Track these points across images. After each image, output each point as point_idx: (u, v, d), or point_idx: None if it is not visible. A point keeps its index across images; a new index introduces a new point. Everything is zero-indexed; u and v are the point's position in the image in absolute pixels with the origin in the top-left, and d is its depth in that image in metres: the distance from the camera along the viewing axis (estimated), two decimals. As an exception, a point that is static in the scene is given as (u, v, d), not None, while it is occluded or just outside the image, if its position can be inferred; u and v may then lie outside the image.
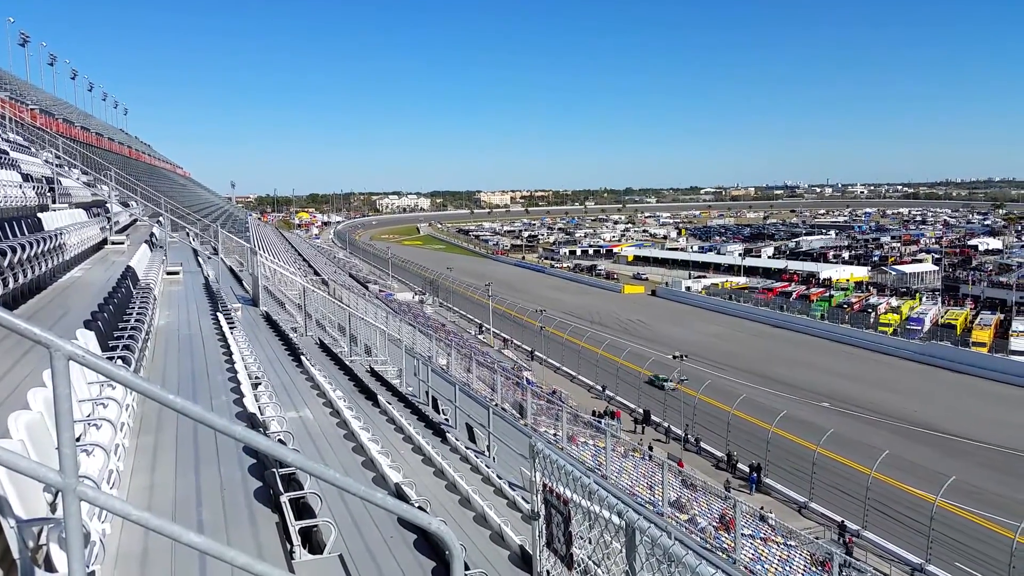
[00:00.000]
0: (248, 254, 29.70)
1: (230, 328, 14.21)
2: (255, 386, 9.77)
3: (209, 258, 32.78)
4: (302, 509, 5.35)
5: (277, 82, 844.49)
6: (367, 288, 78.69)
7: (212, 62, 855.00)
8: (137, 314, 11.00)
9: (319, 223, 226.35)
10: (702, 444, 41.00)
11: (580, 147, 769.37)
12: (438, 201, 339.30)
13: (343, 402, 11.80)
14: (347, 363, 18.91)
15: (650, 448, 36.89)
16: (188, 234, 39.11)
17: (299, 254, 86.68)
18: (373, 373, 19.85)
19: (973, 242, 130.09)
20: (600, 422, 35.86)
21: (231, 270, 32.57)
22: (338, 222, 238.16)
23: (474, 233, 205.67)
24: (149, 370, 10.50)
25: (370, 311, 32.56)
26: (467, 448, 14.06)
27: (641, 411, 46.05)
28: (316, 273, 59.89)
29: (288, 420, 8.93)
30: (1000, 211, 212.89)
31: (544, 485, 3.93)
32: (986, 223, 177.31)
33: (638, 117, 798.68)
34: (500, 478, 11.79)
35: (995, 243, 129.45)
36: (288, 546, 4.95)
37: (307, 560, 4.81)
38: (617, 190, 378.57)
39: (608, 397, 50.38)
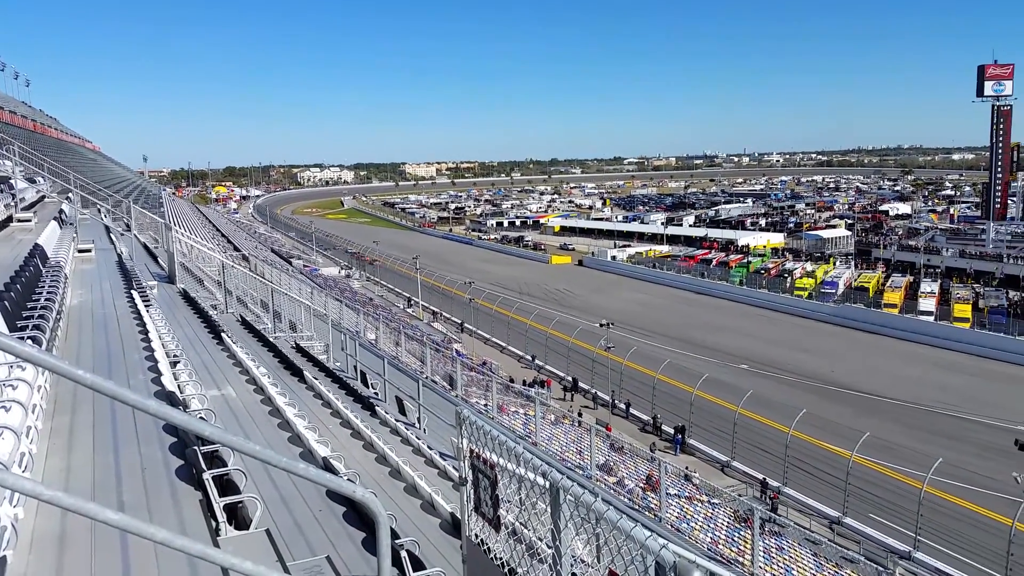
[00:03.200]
0: (163, 230, 28.70)
1: (146, 306, 13.76)
2: (174, 364, 9.52)
3: (122, 235, 31.57)
4: (226, 486, 5.27)
5: (187, 50, 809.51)
6: (290, 263, 77.15)
7: (118, 31, 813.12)
8: (47, 293, 10.55)
9: (237, 197, 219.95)
10: (631, 409, 41.93)
11: (505, 118, 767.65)
12: (362, 174, 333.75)
13: (267, 379, 11.61)
14: (271, 340, 18.57)
15: (579, 415, 37.49)
16: (99, 210, 37.51)
17: (217, 230, 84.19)
18: (299, 349, 19.55)
19: (884, 207, 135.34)
20: (530, 391, 36.25)
21: (145, 247, 31.45)
22: (257, 196, 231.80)
23: (400, 206, 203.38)
24: (62, 350, 10.11)
25: (294, 287, 31.99)
26: (397, 421, 14.04)
27: (570, 379, 46.74)
28: (236, 249, 58.33)
29: (210, 398, 8.75)
30: (909, 177, 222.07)
31: (471, 451, 3.97)
32: (896, 189, 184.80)
33: (562, 88, 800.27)
34: (431, 449, 11.84)
35: (904, 208, 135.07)
36: (213, 523, 4.88)
37: (233, 536, 4.75)
38: (543, 161, 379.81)
39: (538, 367, 50.92)
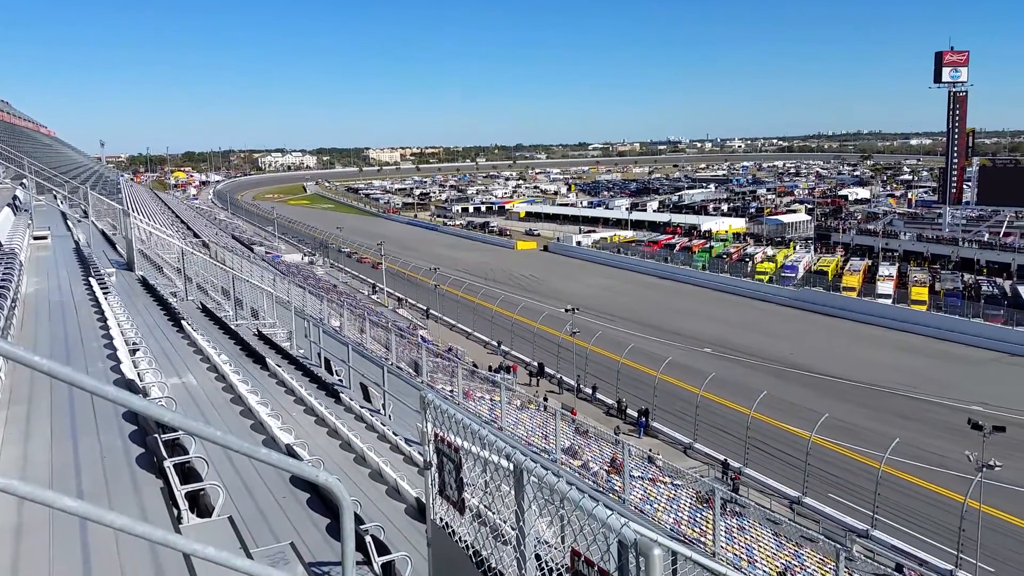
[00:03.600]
0: (121, 216, 28.14)
1: (104, 294, 13.51)
2: (133, 352, 9.38)
3: (79, 221, 30.90)
4: (188, 474, 5.22)
5: (145, 32, 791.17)
6: (252, 250, 76.18)
7: (72, 13, 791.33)
8: (1, 281, 10.30)
9: (197, 183, 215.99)
10: (597, 393, 42.28)
11: (470, 104, 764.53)
12: (325, 159, 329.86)
13: (229, 366, 11.48)
14: (232, 327, 18.35)
15: (545, 399, 37.77)
16: (56, 196, 36.66)
17: (176, 216, 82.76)
18: (261, 337, 19.36)
19: (843, 192, 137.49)
20: (496, 376, 36.34)
21: (103, 234, 30.83)
22: (217, 181, 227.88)
23: (364, 191, 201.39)
24: (17, 339, 9.89)
25: (256, 273, 31.61)
26: (362, 407, 13.99)
27: (536, 364, 46.93)
28: (196, 235, 57.41)
29: (170, 386, 8.64)
30: (868, 162, 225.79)
31: (436, 435, 3.99)
32: (855, 174, 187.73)
33: (527, 74, 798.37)
34: (396, 435, 11.83)
35: (863, 193, 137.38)
36: (175, 511, 4.84)
37: (195, 524, 4.72)
38: (508, 146, 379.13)
39: (504, 352, 51.02)
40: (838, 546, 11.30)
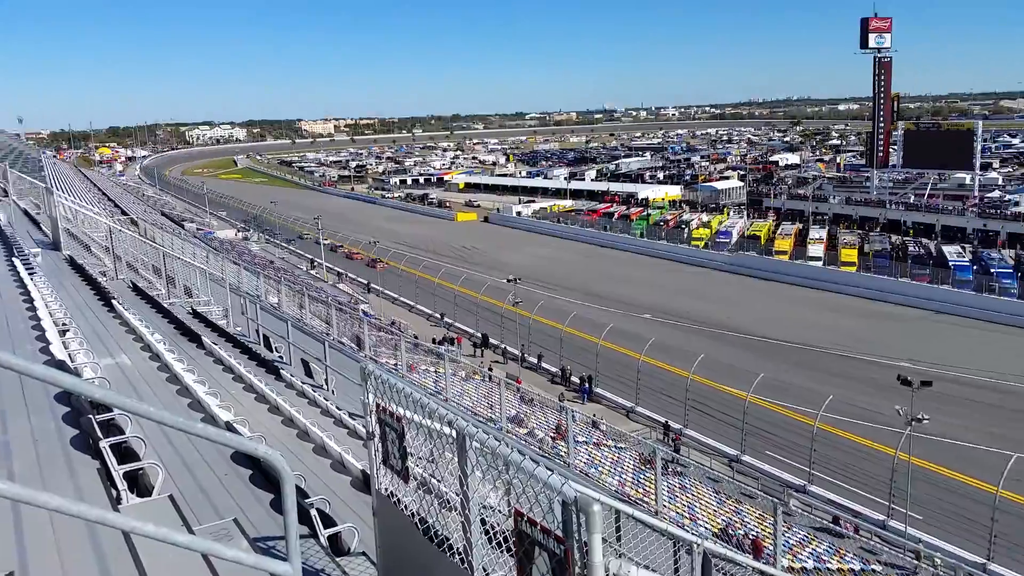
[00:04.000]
0: (44, 195, 27.04)
1: (29, 274, 13.02)
2: (62, 333, 9.09)
3: (-2, 201, 29.57)
4: (125, 454, 5.11)
5: (61, 5, 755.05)
6: (183, 227, 74.15)
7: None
8: (-87, 265, 9.83)
9: (123, 159, 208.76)
10: (542, 362, 42.65)
11: (405, 73, 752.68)
12: (255, 131, 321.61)
13: (163, 346, 11.22)
14: (165, 306, 17.89)
15: (490, 370, 37.90)
16: (-30, 176, 34.96)
17: (103, 193, 79.94)
18: (196, 315, 18.93)
19: (774, 158, 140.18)
20: (440, 348, 36.32)
21: (26, 213, 29.62)
22: (144, 157, 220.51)
23: (298, 164, 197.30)
24: (-66, 325, 9.48)
25: (188, 251, 30.80)
26: (304, 383, 13.85)
27: (480, 335, 47.04)
28: (124, 213, 55.55)
29: (103, 367, 8.41)
30: (798, 128, 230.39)
31: (378, 406, 3.99)
32: (785, 140, 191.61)
33: (462, 43, 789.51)
34: (340, 409, 11.76)
35: (794, 158, 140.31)
36: (114, 492, 4.74)
37: (135, 504, 4.63)
38: (444, 117, 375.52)
39: (447, 324, 50.98)
40: (776, 501, 11.72)
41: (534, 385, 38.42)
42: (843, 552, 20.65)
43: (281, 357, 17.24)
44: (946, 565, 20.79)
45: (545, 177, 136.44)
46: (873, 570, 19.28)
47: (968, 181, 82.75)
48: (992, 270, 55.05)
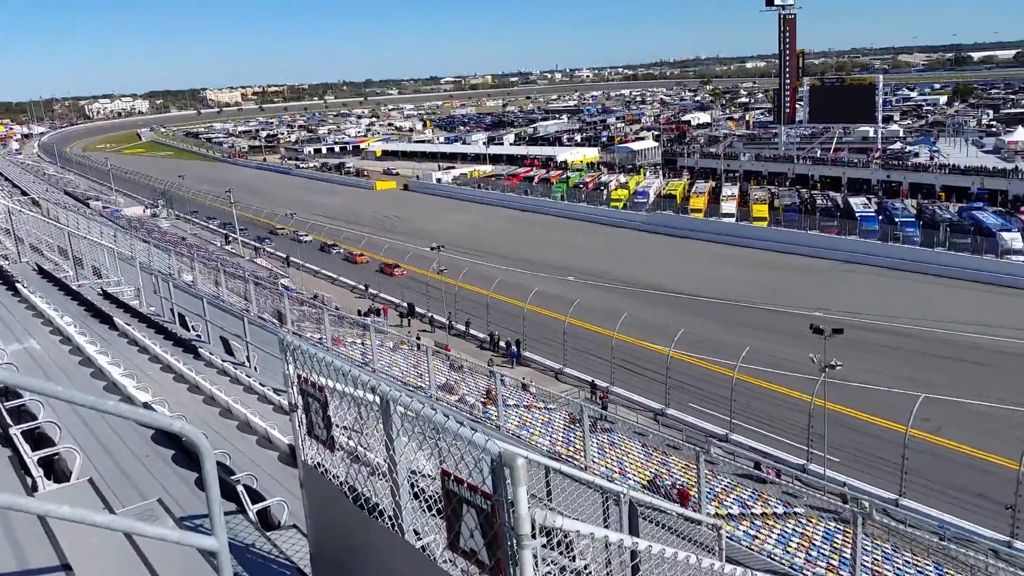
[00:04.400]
0: (-70, 177, 25.39)
1: (-81, 262, 12.26)
2: (-38, 322, 8.63)
3: None
4: (39, 440, 4.93)
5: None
6: (88, 206, 70.92)
7: None
8: None
9: (18, 136, 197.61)
10: (470, 328, 42.75)
11: (314, 38, 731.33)
12: (158, 103, 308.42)
13: (74, 328, 10.78)
14: (74, 288, 17.15)
15: (418, 339, 37.75)
16: None
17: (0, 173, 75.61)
18: (107, 296, 18.21)
19: (686, 118, 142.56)
20: (366, 320, 35.96)
21: (-89, 198, 27.73)
22: (41, 133, 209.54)
23: (205, 136, 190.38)
24: None
25: (95, 230, 29.48)
26: (224, 361, 13.54)
27: (406, 304, 46.76)
28: (24, 193, 52.81)
29: (10, 352, 8.04)
30: (707, 87, 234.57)
31: (299, 377, 3.95)
32: (696, 99, 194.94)
33: (373, 5, 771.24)
34: (263, 385, 11.56)
35: (705, 117, 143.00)
36: (29, 480, 4.57)
37: (52, 490, 4.48)
38: (357, 83, 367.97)
39: (372, 295, 50.48)
40: (698, 450, 12.15)
41: (463, 352, 38.51)
42: (766, 497, 21.53)
43: (199, 336, 16.80)
44: (874, 508, 22.00)
45: (464, 143, 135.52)
46: (795, 512, 20.15)
47: (871, 134, 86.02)
48: (896, 220, 57.58)
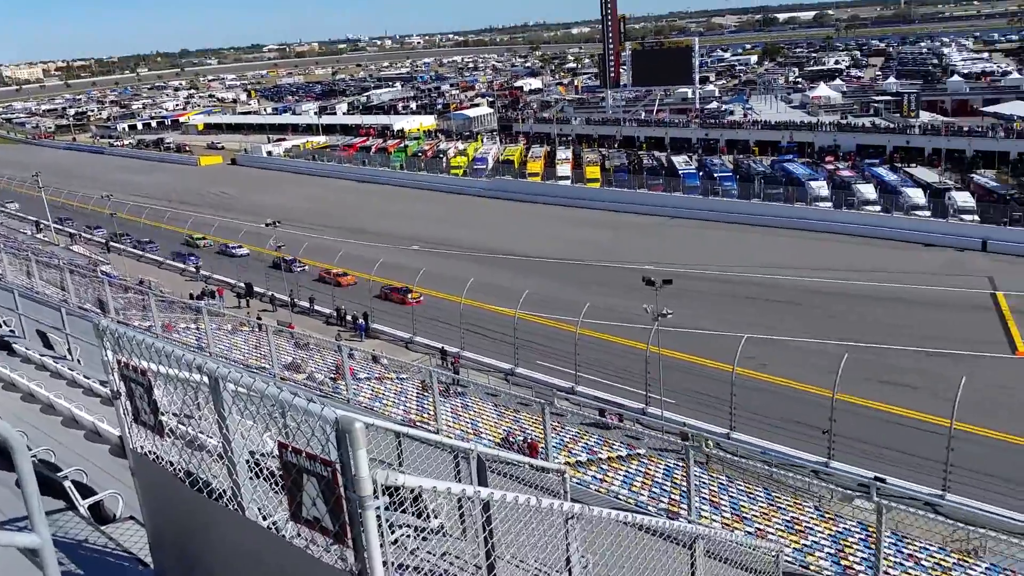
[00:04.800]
0: None
1: None
2: None
3: None
4: None
5: None
6: None
7: None
8: None
9: None
10: (315, 305, 41.75)
11: (121, 7, 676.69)
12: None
13: None
14: None
15: (259, 319, 36.38)
16: None
17: None
18: None
19: (519, 84, 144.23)
20: (199, 303, 34.22)
21: None
22: None
23: (4, 116, 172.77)
24: None
25: None
26: (43, 355, 12.53)
27: (243, 285, 44.88)
28: None
29: None
30: (537, 53, 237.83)
31: (119, 362, 3.76)
32: (527, 65, 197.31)
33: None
34: (88, 377, 10.83)
35: (536, 83, 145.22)
36: None
37: None
38: (172, 53, 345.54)
39: (205, 276, 48.05)
40: (542, 403, 12.59)
41: (309, 329, 37.57)
42: (611, 442, 22.63)
43: (12, 331, 15.42)
44: (704, 442, 23.63)
45: (293, 113, 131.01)
46: (638, 454, 21.28)
47: (690, 95, 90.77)
48: (715, 175, 61.42)
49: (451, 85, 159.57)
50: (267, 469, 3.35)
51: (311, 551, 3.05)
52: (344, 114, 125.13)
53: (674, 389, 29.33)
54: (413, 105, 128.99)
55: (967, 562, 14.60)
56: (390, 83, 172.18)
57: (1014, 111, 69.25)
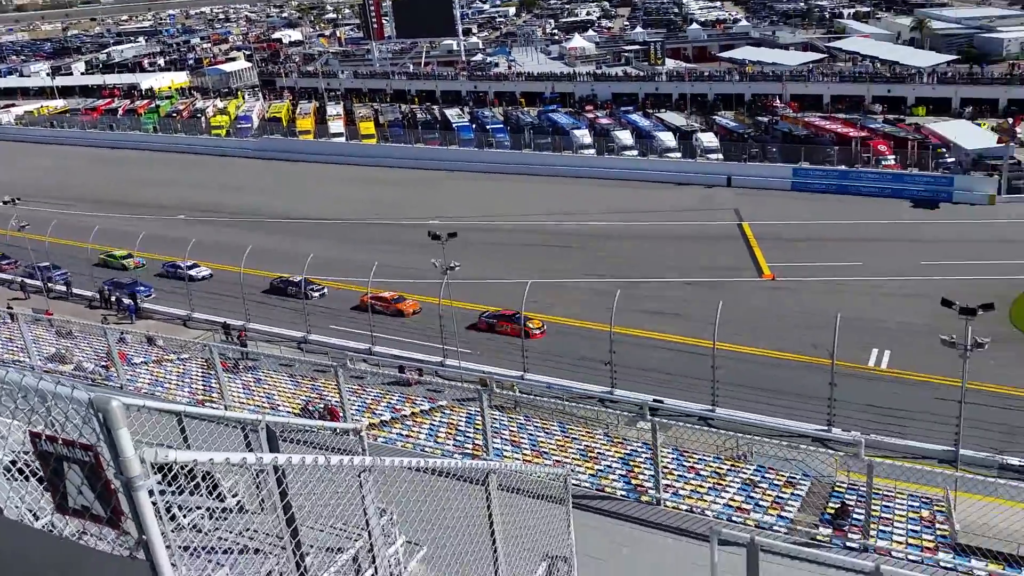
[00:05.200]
0: None
1: None
2: None
3: None
4: None
5: None
6: None
7: None
8: None
9: None
10: (74, 288, 38.04)
11: None
12: None
13: None
14: None
15: (9, 308, 32.37)
16: None
17: None
18: None
19: (277, 36, 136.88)
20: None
21: None
22: None
23: None
24: None
25: None
26: None
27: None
28: None
29: None
30: (293, 3, 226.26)
31: None
32: (284, 16, 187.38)
33: None
34: None
35: (296, 35, 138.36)
36: None
37: None
38: None
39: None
40: (334, 366, 12.40)
41: (69, 315, 34.04)
42: (413, 398, 22.89)
43: None
44: (494, 384, 24.53)
45: (22, 75, 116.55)
46: (440, 406, 21.66)
47: (455, 47, 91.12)
48: (487, 127, 62.52)
49: (202, 38, 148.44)
50: (24, 464, 3.06)
51: (85, 541, 2.84)
52: (82, 74, 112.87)
53: (470, 340, 30.10)
54: (161, 61, 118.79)
55: (738, 467, 16.47)
56: (132, 38, 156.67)
57: (746, 56, 76.59)
